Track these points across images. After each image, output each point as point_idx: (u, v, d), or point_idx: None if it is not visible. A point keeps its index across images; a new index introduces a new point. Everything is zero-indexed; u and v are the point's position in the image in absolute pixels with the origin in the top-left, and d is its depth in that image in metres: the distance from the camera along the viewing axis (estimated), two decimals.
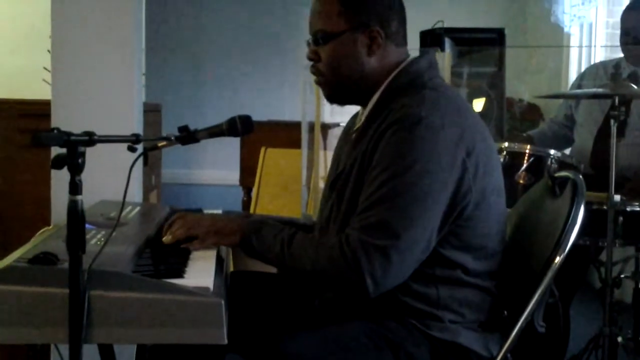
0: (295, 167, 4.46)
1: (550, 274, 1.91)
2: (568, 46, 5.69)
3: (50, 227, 2.25)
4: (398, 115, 1.83)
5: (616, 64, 3.39)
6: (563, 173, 2.16)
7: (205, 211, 2.35)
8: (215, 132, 1.86)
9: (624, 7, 3.72)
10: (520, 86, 5.68)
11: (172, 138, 1.79)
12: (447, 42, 4.66)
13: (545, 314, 2.04)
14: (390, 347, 1.81)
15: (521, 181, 3.15)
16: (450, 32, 4.71)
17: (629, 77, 3.45)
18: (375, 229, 1.76)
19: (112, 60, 2.79)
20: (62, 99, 2.78)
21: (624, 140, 3.35)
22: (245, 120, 1.88)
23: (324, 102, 2.10)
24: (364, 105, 2.01)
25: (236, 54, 6.52)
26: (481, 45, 5.00)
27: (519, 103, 5.65)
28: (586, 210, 1.98)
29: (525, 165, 3.17)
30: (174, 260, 1.85)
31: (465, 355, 1.87)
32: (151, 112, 3.81)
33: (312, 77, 2.04)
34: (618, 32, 3.71)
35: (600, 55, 5.51)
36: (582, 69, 5.08)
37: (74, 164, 1.53)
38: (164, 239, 1.95)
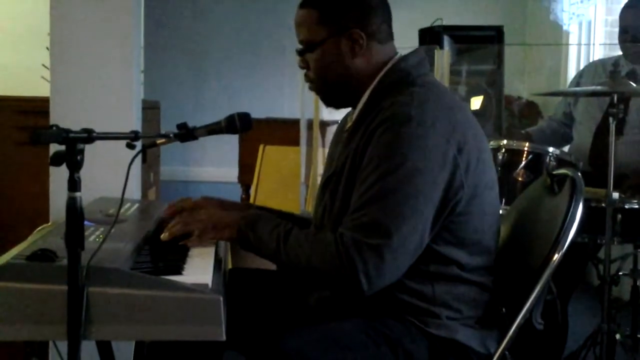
0: (294, 165, 4.45)
1: (548, 271, 1.92)
2: (567, 44, 5.69)
3: (49, 223, 2.25)
4: (388, 114, 1.84)
5: (615, 62, 3.39)
6: (562, 170, 2.16)
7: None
8: (214, 129, 1.86)
9: (622, 5, 3.71)
10: (519, 84, 5.68)
11: (171, 135, 1.79)
12: (446, 40, 4.66)
13: (543, 311, 2.04)
14: (389, 344, 1.81)
15: (520, 178, 3.15)
16: (449, 29, 4.71)
17: (628, 75, 3.45)
18: (368, 228, 1.76)
19: (111, 57, 2.79)
20: (60, 96, 2.78)
21: (623, 138, 3.36)
22: (244, 117, 1.88)
23: (308, 88, 2.11)
24: (355, 105, 2.01)
25: (235, 51, 6.50)
26: (480, 43, 5.00)
27: (517, 101, 5.65)
28: (585, 208, 1.98)
29: (523, 163, 3.17)
30: (173, 257, 1.85)
31: (463, 352, 1.87)
32: (150, 109, 3.82)
33: None
34: (617, 30, 3.71)
35: (599, 53, 5.51)
36: (581, 67, 5.08)
37: (73, 161, 1.54)
38: (161, 236, 1.95)
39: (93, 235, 1.84)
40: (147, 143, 1.81)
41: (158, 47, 6.25)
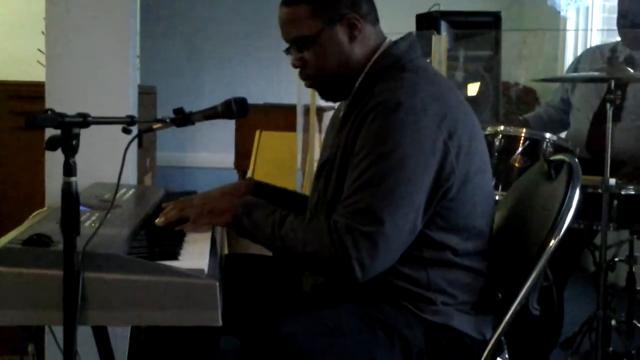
0: (291, 150, 4.45)
1: (545, 257, 1.92)
2: (564, 30, 5.68)
3: (45, 208, 2.24)
4: (378, 100, 1.83)
5: (612, 48, 3.39)
6: (559, 156, 2.16)
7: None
8: (210, 114, 1.85)
9: None
10: (517, 70, 5.67)
11: (167, 120, 1.78)
12: (444, 26, 4.65)
13: (539, 296, 2.05)
14: (384, 330, 1.81)
15: (516, 164, 3.15)
16: (447, 15, 4.70)
17: (625, 61, 3.45)
18: (361, 215, 1.76)
19: (107, 42, 2.77)
20: (56, 80, 2.77)
21: (620, 124, 3.36)
22: (241, 102, 1.87)
23: (305, 85, 2.09)
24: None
25: (232, 36, 6.49)
26: (477, 28, 4.99)
27: (515, 87, 5.65)
28: (581, 194, 1.98)
29: (520, 149, 3.17)
30: (169, 243, 1.85)
31: (458, 338, 1.87)
32: (146, 94, 3.80)
33: None
34: (614, 16, 3.71)
35: (596, 39, 5.50)
36: (579, 53, 5.07)
37: (68, 145, 1.53)
38: (156, 221, 1.95)
39: (89, 221, 1.83)
40: (143, 128, 1.80)
41: (154, 32, 6.23)
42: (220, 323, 1.55)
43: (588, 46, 5.33)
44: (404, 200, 1.77)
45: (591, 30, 5.59)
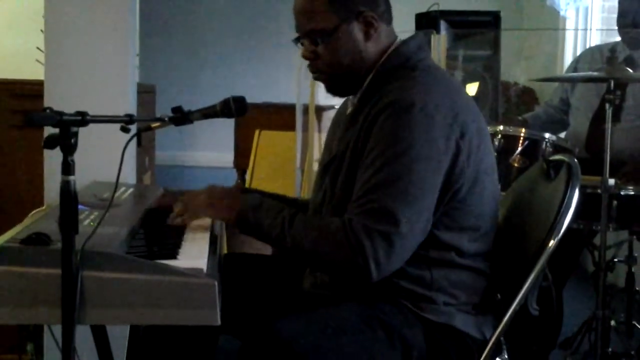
0: (290, 150, 4.45)
1: (544, 257, 1.91)
2: (564, 29, 5.68)
3: (43, 207, 2.24)
4: (390, 99, 1.82)
5: (612, 48, 3.38)
6: (558, 156, 2.16)
7: None
8: (209, 113, 1.85)
9: None
10: (516, 69, 5.67)
11: (166, 119, 1.78)
12: (443, 25, 4.64)
13: (538, 297, 2.04)
14: (384, 330, 1.81)
15: (516, 164, 3.15)
16: (446, 14, 4.69)
17: (625, 61, 3.45)
18: (377, 214, 1.75)
19: (106, 40, 2.77)
20: (55, 79, 2.76)
21: (620, 124, 3.36)
22: (240, 101, 1.87)
23: (319, 84, 2.07)
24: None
25: (231, 35, 6.49)
26: (477, 28, 4.98)
27: (514, 86, 5.65)
28: (580, 194, 1.98)
29: (520, 149, 3.16)
30: (168, 242, 1.85)
31: (458, 338, 1.87)
32: (145, 93, 3.79)
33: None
34: (614, 16, 3.70)
35: (596, 39, 5.50)
36: (578, 53, 5.07)
37: (67, 144, 1.53)
38: (173, 222, 1.97)
39: (87, 219, 1.83)
40: (142, 127, 1.80)
41: (153, 31, 6.23)
42: (219, 322, 1.55)
43: (587, 46, 5.33)
44: (418, 200, 1.77)
45: (590, 30, 5.59)
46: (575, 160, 2.06)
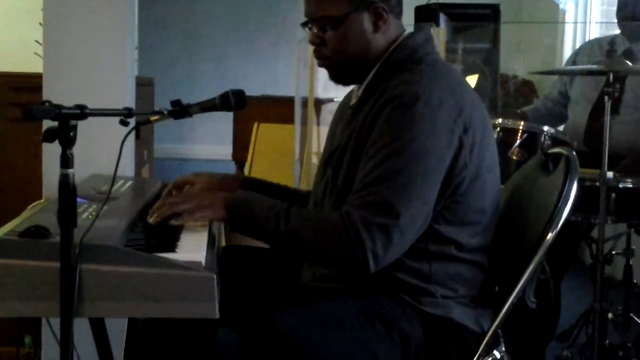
0: (289, 143, 4.45)
1: (542, 250, 1.92)
2: (563, 22, 5.67)
3: (42, 200, 2.24)
4: (395, 92, 1.82)
5: (611, 41, 3.37)
6: (557, 149, 2.16)
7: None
8: (208, 106, 1.84)
9: None
10: (515, 62, 5.66)
11: (165, 112, 1.78)
12: (442, 18, 4.63)
13: (536, 289, 2.05)
14: (383, 323, 1.81)
15: (514, 157, 3.15)
16: (445, 7, 4.68)
17: (624, 54, 3.44)
18: (376, 207, 1.75)
19: (105, 33, 2.77)
20: (53, 72, 2.76)
21: (618, 117, 3.35)
22: (239, 95, 1.87)
23: (318, 77, 2.08)
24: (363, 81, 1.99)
25: (230, 28, 6.47)
26: (476, 21, 4.98)
27: (513, 79, 5.64)
28: (579, 187, 1.98)
29: (518, 142, 3.16)
30: (166, 235, 1.85)
31: (456, 330, 1.88)
32: (144, 86, 3.80)
33: (307, 52, 2.02)
34: (613, 8, 3.70)
35: (595, 31, 5.49)
36: (577, 46, 5.07)
37: (66, 137, 1.53)
38: (150, 220, 1.88)
39: (86, 213, 1.83)
40: (140, 120, 1.80)
41: (152, 24, 6.21)
42: (217, 315, 1.55)
43: (587, 39, 5.33)
44: (419, 194, 1.77)
45: (590, 22, 5.59)
46: (574, 153, 2.06)
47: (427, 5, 4.70)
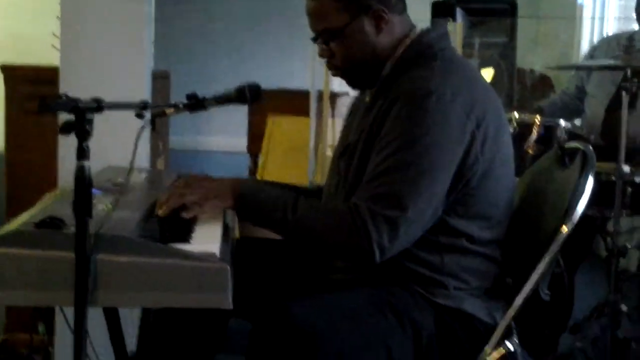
0: (303, 135, 4.45)
1: (557, 244, 1.91)
2: (580, 17, 5.64)
3: (57, 191, 2.25)
4: (408, 87, 1.83)
5: (629, 37, 3.36)
6: (573, 144, 2.15)
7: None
8: (223, 100, 1.85)
9: None
10: (532, 57, 5.64)
11: (181, 105, 1.79)
12: (459, 13, 4.63)
13: (550, 281, 2.04)
14: (395, 314, 1.81)
15: (530, 151, 3.15)
16: (463, 2, 4.68)
17: None
18: (384, 199, 1.76)
19: (122, 27, 2.78)
20: (70, 65, 2.77)
21: (635, 112, 3.34)
22: (254, 88, 1.87)
23: (332, 75, 2.08)
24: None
25: (245, 21, 6.48)
26: (493, 15, 4.97)
27: (530, 74, 5.62)
28: (595, 181, 1.97)
29: (535, 136, 3.16)
30: (181, 226, 1.85)
31: (469, 322, 1.88)
32: (160, 79, 3.80)
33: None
34: (631, 4, 3.68)
35: (612, 27, 5.47)
36: (595, 41, 5.05)
37: (82, 130, 1.54)
38: (159, 212, 1.88)
39: (101, 204, 1.84)
40: (156, 113, 1.80)
41: (169, 18, 6.22)
42: (230, 306, 1.56)
43: (604, 34, 5.30)
44: (428, 187, 1.77)
45: (608, 18, 5.56)
46: (591, 148, 2.06)
47: (444, 1, 4.70)
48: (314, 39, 1.99)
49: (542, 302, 2.01)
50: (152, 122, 1.76)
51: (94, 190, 1.56)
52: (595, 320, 3.13)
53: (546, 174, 2.19)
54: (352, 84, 2.05)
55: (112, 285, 1.54)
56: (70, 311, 1.53)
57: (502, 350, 1.89)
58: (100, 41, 2.77)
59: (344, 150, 1.99)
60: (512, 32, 5.02)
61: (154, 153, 3.47)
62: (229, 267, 1.56)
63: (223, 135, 6.33)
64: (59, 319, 2.69)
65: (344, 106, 2.14)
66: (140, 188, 2.20)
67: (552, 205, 2.03)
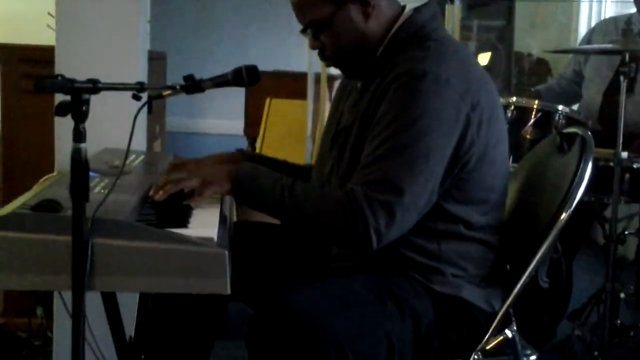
0: (301, 118, 4.44)
1: (555, 231, 1.91)
2: (578, 0, 5.62)
3: (54, 174, 2.24)
4: (403, 69, 1.81)
5: (628, 20, 3.33)
6: (572, 129, 2.14)
7: None
8: (220, 82, 1.83)
9: None
10: (530, 40, 5.62)
11: (177, 87, 1.77)
12: None
13: (548, 269, 2.04)
14: (394, 301, 1.81)
15: (528, 136, 3.14)
16: None
17: None
18: (380, 184, 1.75)
19: (118, 6, 2.75)
20: (66, 45, 2.75)
21: (633, 97, 3.33)
22: (252, 70, 1.85)
23: (325, 66, 2.07)
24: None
25: (243, 2, 6.45)
26: None
27: (527, 58, 5.61)
28: (593, 167, 1.97)
29: (532, 120, 3.15)
30: (178, 210, 1.84)
31: (467, 310, 1.88)
32: (156, 60, 3.78)
33: None
34: None
35: (610, 10, 5.45)
36: (592, 24, 5.03)
37: (78, 111, 1.52)
38: (155, 197, 1.87)
39: (98, 187, 1.83)
40: (153, 94, 1.79)
41: None
42: (228, 291, 1.55)
43: (602, 17, 5.28)
44: (424, 172, 1.76)
45: (605, 1, 5.54)
46: (589, 133, 2.05)
47: None
48: (303, 31, 1.97)
49: (540, 290, 2.01)
50: (149, 104, 1.74)
51: (90, 173, 1.55)
52: (593, 307, 3.13)
53: (544, 159, 2.19)
54: (347, 73, 2.03)
55: (109, 269, 1.53)
56: (68, 295, 1.52)
57: (500, 338, 1.89)
58: (96, 21, 2.74)
59: (337, 135, 1.97)
60: (510, 16, 5.00)
61: (151, 135, 3.46)
62: (226, 252, 1.56)
63: (220, 118, 6.31)
64: (57, 303, 2.69)
65: None
66: (137, 171, 2.19)
67: (550, 192, 2.02)
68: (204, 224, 1.74)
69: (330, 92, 4.29)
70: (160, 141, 4.09)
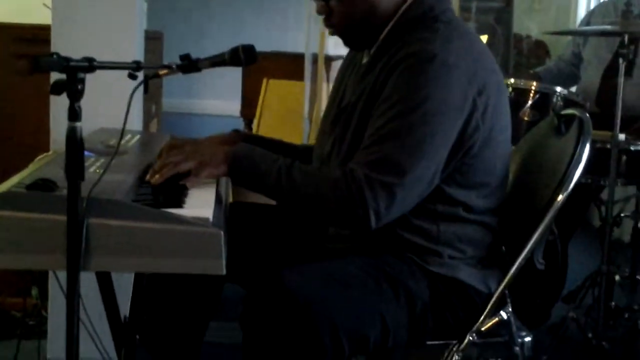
0: (298, 99, 4.43)
1: (552, 212, 1.91)
2: None
3: (49, 153, 2.23)
4: (411, 50, 1.79)
5: (627, 1, 3.32)
6: (570, 111, 2.14)
7: None
8: (217, 61, 1.82)
9: None
10: (528, 22, 5.60)
11: (174, 66, 1.76)
12: None
13: (544, 250, 2.04)
14: (389, 282, 1.81)
15: (526, 118, 3.13)
16: None
17: None
18: (382, 165, 1.74)
19: None
20: (62, 23, 2.73)
21: (631, 79, 3.32)
22: (249, 50, 1.84)
23: (328, 34, 2.05)
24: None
25: None
26: None
27: (526, 39, 5.59)
28: (590, 149, 1.96)
29: (530, 102, 3.14)
30: (174, 190, 1.84)
31: (463, 291, 1.88)
32: (153, 39, 3.76)
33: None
34: None
35: None
36: (592, 6, 5.01)
37: (74, 90, 1.51)
38: (152, 180, 1.85)
39: (93, 166, 1.82)
40: (149, 74, 1.77)
41: None
42: (224, 272, 1.55)
43: None
44: (428, 154, 1.75)
45: None
46: (587, 115, 2.04)
47: None
48: None
49: (536, 271, 2.01)
50: (145, 83, 1.73)
51: (86, 153, 1.54)
52: (588, 289, 3.14)
53: (542, 141, 2.18)
54: (348, 43, 2.00)
55: (104, 249, 1.52)
56: (63, 275, 1.52)
57: (495, 319, 1.89)
58: (93, 0, 2.72)
59: (340, 114, 1.96)
60: None
61: (147, 115, 3.45)
62: (222, 232, 1.55)
63: (217, 98, 6.30)
64: (52, 283, 2.68)
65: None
66: (132, 151, 2.18)
67: (547, 173, 2.02)
68: (200, 204, 1.73)
69: (328, 73, 4.28)
70: (156, 121, 4.08)
